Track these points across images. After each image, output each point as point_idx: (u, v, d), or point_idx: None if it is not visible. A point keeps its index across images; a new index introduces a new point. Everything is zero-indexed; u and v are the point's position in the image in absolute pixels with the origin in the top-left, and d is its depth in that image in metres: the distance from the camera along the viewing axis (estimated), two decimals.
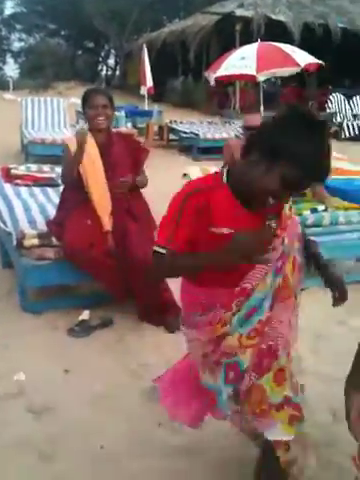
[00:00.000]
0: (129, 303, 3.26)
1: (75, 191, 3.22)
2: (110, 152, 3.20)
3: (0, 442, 2.18)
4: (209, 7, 17.38)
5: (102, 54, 27.47)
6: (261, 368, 1.66)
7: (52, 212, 3.57)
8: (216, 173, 1.61)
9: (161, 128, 10.76)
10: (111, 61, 27.01)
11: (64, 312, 3.26)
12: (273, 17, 14.52)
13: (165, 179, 5.66)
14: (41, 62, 22.04)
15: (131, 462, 2.10)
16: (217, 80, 7.37)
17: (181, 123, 10.82)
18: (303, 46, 9.04)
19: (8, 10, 26.74)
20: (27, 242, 3.26)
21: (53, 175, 4.72)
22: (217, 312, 1.60)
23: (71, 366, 2.73)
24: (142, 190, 3.38)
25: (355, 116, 12.36)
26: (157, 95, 13.54)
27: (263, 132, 1.48)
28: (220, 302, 1.60)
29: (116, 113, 9.62)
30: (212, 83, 7.56)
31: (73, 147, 3.17)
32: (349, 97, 12.73)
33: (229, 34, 14.32)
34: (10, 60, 27.71)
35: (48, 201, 4.07)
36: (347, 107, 12.58)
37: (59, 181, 3.86)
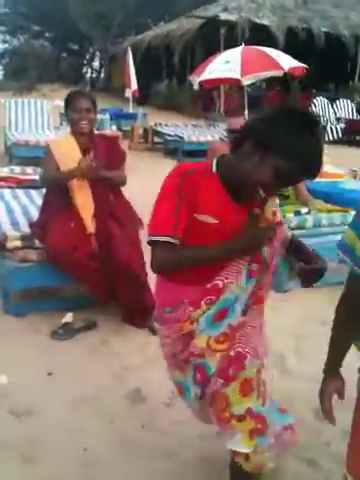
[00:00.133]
0: (113, 305, 3.25)
1: (58, 194, 3.20)
2: (93, 156, 3.20)
3: None
4: (193, 11, 17.45)
5: (87, 56, 27.41)
6: (227, 375, 1.60)
7: (35, 214, 3.56)
8: (205, 162, 1.58)
9: (146, 131, 10.76)
10: (96, 64, 26.99)
11: (47, 315, 3.24)
12: (257, 21, 14.63)
13: (150, 182, 5.62)
14: (25, 64, 21.92)
15: (115, 464, 2.10)
16: (201, 84, 7.38)
17: (166, 126, 10.84)
18: (287, 50, 9.10)
19: None
20: (10, 244, 3.24)
21: (36, 177, 4.70)
22: (186, 309, 1.56)
23: (54, 369, 2.72)
24: (126, 193, 3.38)
25: (338, 119, 12.51)
26: (142, 98, 13.56)
27: (257, 125, 1.46)
28: (189, 299, 1.55)
29: (101, 116, 9.67)
30: (196, 87, 7.57)
31: (56, 149, 3.17)
32: (332, 101, 12.90)
33: (213, 38, 14.39)
34: None
35: (31, 203, 4.05)
36: (330, 111, 12.73)
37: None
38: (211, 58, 7.42)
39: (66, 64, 26.38)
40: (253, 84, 10.81)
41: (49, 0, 22.16)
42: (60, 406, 2.42)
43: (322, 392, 1.51)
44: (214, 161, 1.55)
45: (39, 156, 3.25)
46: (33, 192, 4.37)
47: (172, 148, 9.72)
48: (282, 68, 6.59)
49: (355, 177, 5.05)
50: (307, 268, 1.59)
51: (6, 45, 27.16)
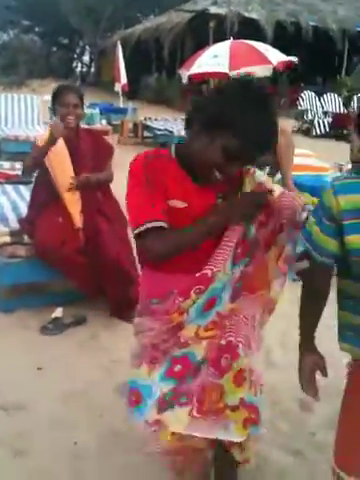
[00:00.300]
0: (102, 300, 3.27)
1: (46, 189, 3.22)
2: (78, 149, 3.22)
3: None
4: (183, 4, 17.40)
5: (77, 51, 27.23)
6: (220, 366, 1.54)
7: (24, 209, 3.56)
8: (166, 148, 1.55)
9: (136, 125, 10.75)
10: (86, 58, 26.80)
11: (36, 310, 3.26)
12: (246, 15, 14.62)
13: None
14: (15, 59, 21.71)
15: (105, 458, 2.12)
16: (190, 77, 7.38)
17: (156, 120, 10.83)
18: (276, 44, 9.13)
19: None
20: None
21: None
22: (175, 300, 1.48)
23: (44, 364, 2.74)
24: (116, 188, 3.40)
25: (325, 113, 12.57)
26: (131, 92, 13.50)
27: (202, 104, 1.42)
28: (178, 288, 1.48)
29: (91, 110, 9.63)
30: (185, 81, 7.57)
31: (42, 144, 3.18)
32: (320, 95, 12.95)
33: (203, 31, 14.37)
34: None
35: (21, 199, 4.05)
36: (318, 104, 12.79)
37: (32, 178, 3.85)
38: (200, 52, 7.42)
39: (56, 59, 26.20)
40: None
41: None
42: (50, 401, 2.44)
43: (300, 368, 1.53)
44: (173, 146, 1.52)
45: (29, 151, 3.27)
46: (22, 188, 4.37)
47: (162, 142, 9.71)
48: (270, 62, 6.61)
49: (340, 170, 5.09)
50: None
51: None
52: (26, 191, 4.22)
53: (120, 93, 11.45)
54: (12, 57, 22.10)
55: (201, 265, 1.47)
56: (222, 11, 14.55)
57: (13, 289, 3.33)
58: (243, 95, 1.37)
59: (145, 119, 10.82)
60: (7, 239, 3.26)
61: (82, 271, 3.09)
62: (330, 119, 12.21)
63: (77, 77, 24.42)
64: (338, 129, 11.79)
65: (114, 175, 3.36)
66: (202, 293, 1.47)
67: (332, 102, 12.93)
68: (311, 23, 15.18)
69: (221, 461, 1.80)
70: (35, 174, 3.39)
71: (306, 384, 1.52)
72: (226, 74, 6.67)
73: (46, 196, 3.21)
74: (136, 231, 1.44)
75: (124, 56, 11.84)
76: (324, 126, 12.03)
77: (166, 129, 9.73)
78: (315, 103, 12.73)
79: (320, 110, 12.62)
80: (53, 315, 3.15)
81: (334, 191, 1.31)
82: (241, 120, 1.33)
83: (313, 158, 5.46)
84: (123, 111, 11.13)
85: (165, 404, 1.54)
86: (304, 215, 1.55)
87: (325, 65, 16.96)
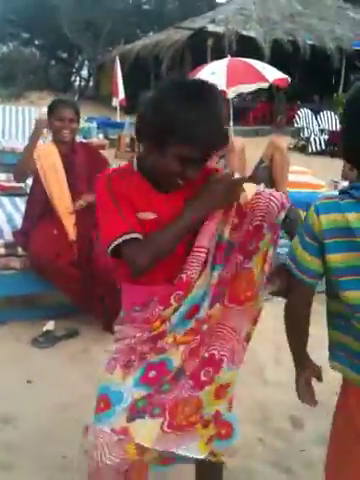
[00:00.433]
0: (94, 314, 3.26)
1: (40, 201, 3.22)
2: (73, 163, 3.24)
3: None
4: (182, 22, 17.62)
5: (76, 65, 27.44)
6: (200, 380, 1.48)
7: (19, 221, 3.56)
8: (127, 163, 1.53)
9: (133, 140, 10.79)
10: (84, 72, 27.01)
11: (29, 323, 3.24)
12: (244, 33, 14.80)
13: None
14: (14, 71, 21.88)
15: None
16: None
17: None
18: (273, 62, 9.23)
19: None
20: None
21: (22, 184, 4.70)
22: (156, 308, 1.44)
23: (34, 376, 2.72)
24: None
25: (322, 131, 12.66)
26: (129, 107, 13.58)
27: (143, 118, 1.40)
28: (158, 296, 1.44)
29: (88, 124, 9.69)
30: None
31: (37, 157, 3.19)
32: (316, 112, 13.05)
33: (201, 49, 14.52)
34: None
35: (16, 210, 4.06)
36: (314, 122, 12.89)
37: (27, 190, 3.86)
38: (198, 68, 7.49)
39: (55, 72, 26.40)
40: (239, 95, 10.93)
41: (38, 8, 22.19)
42: (39, 414, 2.42)
43: (296, 380, 1.53)
44: (134, 160, 1.50)
45: None
46: (18, 199, 4.38)
47: None
48: (267, 80, 6.68)
49: (336, 188, 5.12)
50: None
51: None
52: (22, 203, 4.22)
53: (118, 108, 11.53)
54: (11, 69, 22.26)
55: (176, 274, 1.43)
56: (220, 29, 14.72)
57: (6, 301, 3.32)
58: (177, 99, 1.32)
59: None
60: (1, 251, 3.26)
61: (75, 284, 3.09)
62: (326, 136, 12.30)
63: (75, 91, 24.59)
64: (334, 146, 11.88)
65: None
66: (182, 299, 1.43)
67: (329, 120, 13.03)
68: (308, 42, 15.36)
69: (203, 466, 1.76)
70: (28, 182, 3.41)
71: (301, 392, 1.53)
72: (223, 91, 6.74)
73: (41, 208, 3.22)
74: (112, 245, 1.38)
75: (123, 71, 11.95)
76: (320, 143, 12.13)
77: None
78: (312, 121, 12.84)
79: (316, 128, 12.71)
80: (44, 328, 3.14)
81: (316, 210, 1.32)
82: (183, 125, 1.30)
83: (309, 175, 5.50)
84: (120, 126, 11.20)
85: (136, 412, 1.48)
86: (282, 215, 1.48)
87: (322, 83, 17.15)
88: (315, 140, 12.16)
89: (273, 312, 3.47)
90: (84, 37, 21.76)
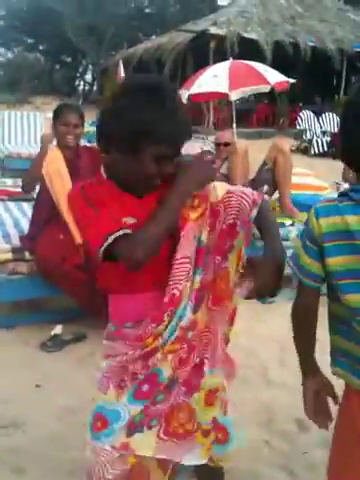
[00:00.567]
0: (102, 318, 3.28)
1: (47, 206, 3.26)
2: (78, 167, 3.27)
3: None
4: (184, 25, 17.65)
5: (80, 69, 27.53)
6: (191, 385, 1.50)
7: (26, 226, 3.60)
8: (97, 172, 1.53)
9: None
10: (88, 76, 27.11)
11: (37, 327, 3.28)
12: (245, 35, 14.82)
13: None
14: (19, 76, 21.98)
15: None
16: (190, 97, 7.47)
17: None
18: (275, 64, 9.26)
19: None
20: (1, 257, 3.28)
21: None
22: (148, 326, 1.42)
23: (42, 380, 2.75)
24: None
25: (324, 133, 12.65)
26: None
27: (107, 128, 1.40)
28: (151, 316, 1.42)
29: (93, 128, 9.68)
30: (185, 101, 7.66)
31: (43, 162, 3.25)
32: (318, 114, 13.04)
33: (204, 51, 14.55)
34: None
35: (23, 215, 4.11)
36: (316, 124, 12.88)
37: (34, 196, 3.91)
38: (200, 71, 7.52)
39: (59, 76, 26.49)
40: (242, 98, 10.96)
41: (42, 13, 22.32)
42: (48, 418, 2.45)
43: (303, 391, 1.52)
44: (102, 169, 1.50)
45: None
46: (24, 204, 4.44)
47: None
48: (269, 82, 6.70)
49: (338, 189, 5.14)
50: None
51: (0, 58, 27.26)
52: (29, 208, 4.26)
53: None
54: (16, 74, 22.37)
55: (163, 278, 1.41)
56: (222, 32, 14.73)
57: (14, 305, 3.35)
58: (141, 102, 1.33)
59: None
60: (9, 256, 3.30)
61: (82, 288, 3.12)
62: (328, 138, 12.28)
63: (80, 95, 24.67)
64: (336, 148, 11.85)
65: None
66: (174, 314, 1.41)
67: (330, 122, 13.02)
68: (309, 43, 15.36)
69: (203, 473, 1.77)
70: (36, 190, 3.45)
71: (309, 408, 1.50)
72: (226, 94, 6.77)
73: (47, 213, 3.26)
74: (103, 247, 1.34)
75: (126, 75, 11.98)
76: (322, 145, 12.12)
77: None
78: (314, 123, 12.83)
79: (318, 130, 12.70)
80: (52, 332, 3.17)
81: (316, 213, 1.32)
82: (156, 126, 1.32)
83: (311, 177, 5.52)
84: None
85: (134, 427, 1.49)
86: (254, 212, 1.46)
87: (323, 85, 17.16)
88: (317, 142, 12.15)
89: (278, 312, 3.51)
90: (88, 42, 21.87)
